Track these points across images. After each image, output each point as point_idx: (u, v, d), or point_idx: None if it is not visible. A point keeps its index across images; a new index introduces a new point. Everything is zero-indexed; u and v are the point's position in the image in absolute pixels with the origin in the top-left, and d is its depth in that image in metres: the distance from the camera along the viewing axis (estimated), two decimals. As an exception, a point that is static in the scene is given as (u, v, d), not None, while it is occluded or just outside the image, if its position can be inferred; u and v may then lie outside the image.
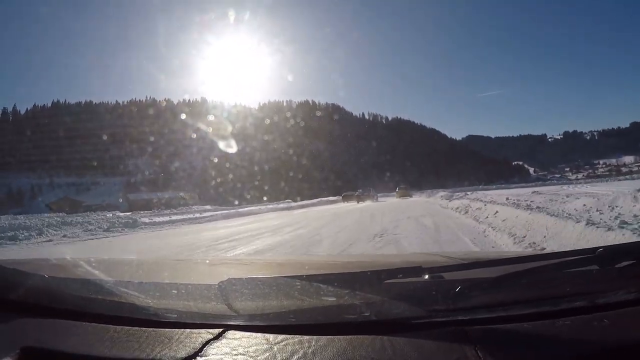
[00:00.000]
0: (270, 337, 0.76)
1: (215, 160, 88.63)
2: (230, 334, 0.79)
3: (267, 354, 0.71)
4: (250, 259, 3.75)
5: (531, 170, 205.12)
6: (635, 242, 1.58)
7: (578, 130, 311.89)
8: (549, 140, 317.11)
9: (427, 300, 0.80)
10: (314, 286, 0.83)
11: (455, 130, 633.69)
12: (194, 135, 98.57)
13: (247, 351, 0.73)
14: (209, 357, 0.72)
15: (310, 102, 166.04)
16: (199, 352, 0.73)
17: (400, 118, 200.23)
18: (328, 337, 0.75)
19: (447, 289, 0.81)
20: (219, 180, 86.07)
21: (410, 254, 3.10)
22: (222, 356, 0.72)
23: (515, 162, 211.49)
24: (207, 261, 2.45)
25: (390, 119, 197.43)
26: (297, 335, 0.76)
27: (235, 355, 0.72)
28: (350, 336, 0.75)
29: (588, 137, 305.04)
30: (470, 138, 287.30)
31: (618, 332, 0.75)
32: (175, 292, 0.93)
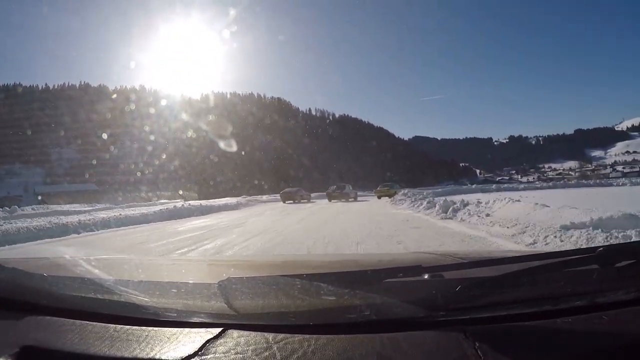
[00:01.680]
0: (270, 336, 0.78)
1: (150, 150, 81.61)
2: (230, 333, 0.81)
3: (267, 353, 0.73)
4: (250, 258, 3.98)
5: (477, 172, 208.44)
6: (636, 241, 1.21)
7: (523, 135, 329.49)
8: (495, 143, 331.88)
9: (427, 300, 0.82)
10: (314, 285, 0.85)
11: (402, 130, 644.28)
12: (132, 125, 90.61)
13: (247, 350, 0.74)
14: (208, 357, 0.74)
15: (256, 95, 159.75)
16: (198, 351, 0.75)
17: (348, 115, 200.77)
18: (328, 336, 0.77)
19: (447, 289, 0.83)
20: (147, 173, 79.19)
21: (410, 253, 3.24)
22: (222, 355, 0.74)
23: (463, 164, 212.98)
24: (207, 260, 2.46)
25: (337, 116, 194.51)
26: (297, 335, 0.78)
27: (235, 354, 0.74)
28: (350, 335, 0.77)
29: (533, 142, 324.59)
30: (417, 139, 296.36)
31: (618, 331, 0.77)
32: (175, 291, 0.95)
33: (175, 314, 0.87)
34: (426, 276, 0.93)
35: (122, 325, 0.86)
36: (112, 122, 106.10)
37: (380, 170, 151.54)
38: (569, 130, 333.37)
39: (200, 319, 0.85)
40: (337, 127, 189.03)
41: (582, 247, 4.26)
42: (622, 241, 5.36)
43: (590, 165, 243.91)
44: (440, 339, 0.75)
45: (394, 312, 0.81)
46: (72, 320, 0.91)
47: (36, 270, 1.09)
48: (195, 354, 0.74)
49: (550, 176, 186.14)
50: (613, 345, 0.72)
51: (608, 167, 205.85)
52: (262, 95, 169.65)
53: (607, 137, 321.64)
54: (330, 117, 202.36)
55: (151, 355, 0.76)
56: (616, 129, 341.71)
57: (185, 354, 0.74)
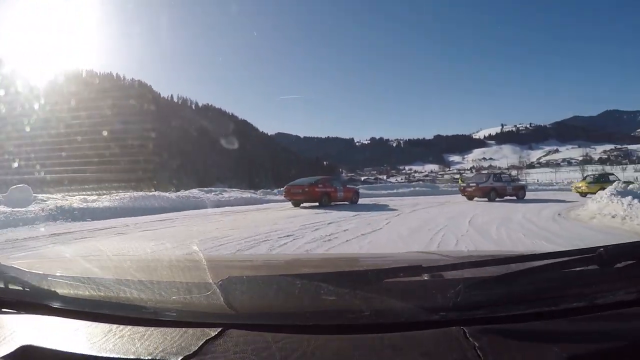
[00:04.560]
0: (270, 336, 0.82)
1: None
2: (230, 332, 0.85)
3: (267, 353, 0.77)
4: (250, 257, 4.12)
5: (341, 170, 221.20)
6: (636, 241, 1.59)
7: (385, 138, 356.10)
8: (357, 144, 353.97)
9: (427, 300, 0.87)
10: (314, 285, 0.89)
11: (266, 126, 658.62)
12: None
13: (247, 350, 0.78)
14: (208, 356, 0.77)
15: (115, 75, 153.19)
16: (198, 351, 0.79)
17: (211, 105, 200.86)
18: (328, 336, 0.82)
19: (447, 289, 0.87)
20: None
21: (410, 253, 3.31)
22: (222, 355, 0.77)
23: (326, 162, 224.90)
24: (207, 260, 2.09)
25: (201, 105, 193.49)
26: (297, 335, 0.82)
27: (235, 354, 0.77)
28: (350, 335, 0.82)
29: (394, 145, 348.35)
30: (280, 135, 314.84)
31: (618, 332, 0.82)
32: (175, 290, 0.99)
33: (175, 314, 0.92)
34: (426, 276, 0.99)
35: (122, 325, 0.92)
36: None
37: (247, 165, 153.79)
38: (429, 136, 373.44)
39: (200, 319, 0.90)
40: (200, 116, 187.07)
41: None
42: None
43: (449, 169, 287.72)
44: (440, 339, 0.79)
45: (394, 312, 0.86)
46: (72, 320, 0.97)
47: (36, 269, 1.17)
48: (195, 353, 0.78)
49: (418, 178, 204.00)
50: (613, 346, 0.77)
51: (467, 171, 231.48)
52: (121, 76, 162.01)
53: (465, 143, 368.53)
54: (193, 106, 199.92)
55: (151, 354, 0.79)
56: (474, 137, 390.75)
57: (185, 353, 0.78)
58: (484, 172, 39.34)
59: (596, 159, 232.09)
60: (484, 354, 0.73)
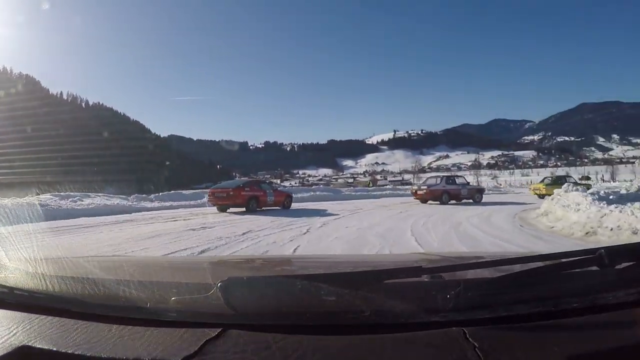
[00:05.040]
0: (270, 336, 0.84)
1: None
2: (230, 333, 0.87)
3: (267, 354, 0.79)
4: (250, 258, 4.13)
5: (234, 174, 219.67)
6: (636, 242, 2.13)
7: (279, 142, 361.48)
8: (251, 147, 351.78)
9: (427, 301, 0.89)
10: (314, 286, 0.90)
11: (159, 127, 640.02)
12: None
13: (247, 350, 0.80)
14: (208, 356, 0.79)
15: (1, 67, 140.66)
16: (198, 351, 0.80)
17: (102, 104, 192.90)
18: (328, 336, 0.85)
19: (447, 289, 0.89)
20: None
21: (410, 254, 3.47)
22: (222, 355, 0.79)
23: (220, 166, 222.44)
24: (207, 260, 2.61)
25: (91, 103, 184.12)
26: (297, 335, 0.85)
27: (235, 354, 0.79)
28: (350, 336, 0.84)
29: (288, 149, 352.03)
30: (174, 137, 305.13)
31: (618, 332, 0.85)
32: (175, 291, 1.00)
33: (175, 314, 0.94)
34: (426, 277, 1.03)
35: (122, 325, 0.94)
36: None
37: (137, 168, 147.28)
38: (323, 140, 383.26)
39: (200, 319, 0.92)
40: (90, 115, 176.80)
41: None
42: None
43: (342, 173, 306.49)
44: (440, 340, 0.81)
45: (394, 313, 0.88)
46: (72, 320, 0.99)
47: (36, 270, 1.19)
48: (195, 353, 0.80)
49: (312, 182, 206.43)
50: (613, 346, 0.79)
51: (360, 175, 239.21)
52: (8, 70, 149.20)
53: (359, 148, 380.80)
54: (83, 104, 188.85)
55: (151, 355, 0.81)
56: (367, 142, 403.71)
57: (185, 353, 0.80)
58: (439, 174, 39.55)
59: (484, 164, 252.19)
60: (484, 355, 0.75)
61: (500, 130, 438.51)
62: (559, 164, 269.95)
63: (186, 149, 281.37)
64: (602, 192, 13.25)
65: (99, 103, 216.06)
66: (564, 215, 11.30)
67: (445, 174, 39.07)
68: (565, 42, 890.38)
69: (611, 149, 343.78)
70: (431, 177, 28.25)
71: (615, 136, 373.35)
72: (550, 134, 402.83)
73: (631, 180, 22.94)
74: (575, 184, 20.26)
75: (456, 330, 0.84)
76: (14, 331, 0.95)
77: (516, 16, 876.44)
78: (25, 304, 1.07)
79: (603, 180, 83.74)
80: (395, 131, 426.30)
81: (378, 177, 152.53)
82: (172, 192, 27.57)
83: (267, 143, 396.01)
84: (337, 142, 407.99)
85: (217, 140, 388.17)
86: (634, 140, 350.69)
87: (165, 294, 0.99)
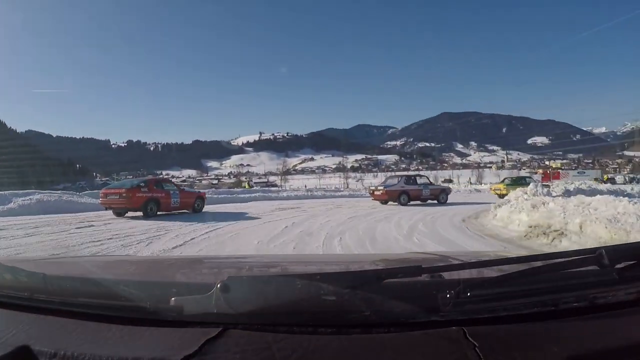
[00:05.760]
0: (270, 336, 0.87)
1: None
2: (230, 333, 0.90)
3: (267, 353, 0.81)
4: (250, 257, 4.03)
5: (95, 174, 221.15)
6: (636, 242, 2.17)
7: (142, 141, 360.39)
8: (113, 146, 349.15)
9: (427, 300, 0.91)
10: (314, 285, 0.93)
11: (16, 122, 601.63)
12: None
13: (247, 350, 0.83)
14: (208, 356, 0.82)
15: None
16: (198, 351, 0.83)
17: None
18: (328, 336, 0.88)
19: (447, 289, 0.92)
20: None
21: (410, 254, 3.56)
22: (222, 355, 0.82)
23: (80, 165, 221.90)
24: (207, 260, 2.84)
25: None
26: (297, 335, 0.89)
27: (235, 354, 0.82)
28: (350, 336, 0.88)
29: (152, 149, 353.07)
30: (31, 133, 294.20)
31: (618, 332, 0.88)
32: (175, 290, 1.03)
33: (175, 314, 0.96)
34: (426, 277, 1.05)
35: (122, 325, 0.97)
36: None
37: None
38: (188, 140, 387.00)
39: (200, 319, 0.94)
40: None
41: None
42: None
43: (207, 175, 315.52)
44: (440, 340, 0.84)
45: (394, 313, 0.91)
46: (72, 320, 1.02)
47: (36, 270, 1.24)
48: (195, 353, 0.82)
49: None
50: (613, 346, 0.82)
51: (225, 177, 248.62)
52: None
53: (224, 150, 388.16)
54: None
55: (151, 355, 0.83)
56: (233, 143, 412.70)
57: (185, 353, 0.82)
58: (399, 173, 42.45)
59: (349, 167, 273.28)
60: (484, 355, 0.78)
61: (364, 135, 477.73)
62: (420, 167, 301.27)
63: (45, 146, 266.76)
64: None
65: None
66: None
67: (405, 173, 38.56)
68: (429, 55, 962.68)
69: (469, 155, 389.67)
70: (391, 176, 27.97)
71: (473, 143, 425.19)
72: (412, 139, 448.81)
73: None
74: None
75: (456, 330, 0.87)
76: (14, 331, 0.98)
77: (380, 29, 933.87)
78: (25, 304, 1.11)
79: (471, 183, 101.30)
80: (261, 133, 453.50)
81: (243, 178, 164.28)
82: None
83: (130, 142, 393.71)
84: (202, 143, 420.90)
85: (78, 137, 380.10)
86: (490, 147, 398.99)
87: (165, 293, 1.01)
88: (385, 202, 23.26)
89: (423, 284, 1.02)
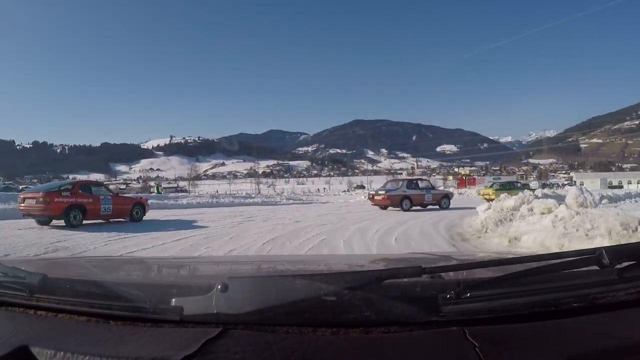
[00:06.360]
0: (270, 336, 0.88)
1: None
2: (230, 332, 0.90)
3: (267, 354, 0.82)
4: (250, 257, 4.26)
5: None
6: (636, 242, 2.22)
7: (49, 142, 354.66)
8: (18, 147, 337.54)
9: (427, 301, 0.92)
10: (314, 285, 0.93)
11: None
12: None
13: (247, 350, 0.83)
14: (208, 356, 0.82)
15: None
16: (198, 351, 0.83)
17: None
18: (328, 337, 0.89)
19: (447, 289, 0.93)
20: None
21: (410, 254, 3.54)
22: (222, 355, 0.82)
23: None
24: (207, 260, 2.91)
25: None
26: (297, 335, 0.89)
27: (235, 354, 0.82)
28: (350, 336, 0.89)
29: (59, 150, 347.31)
30: None
31: (618, 332, 0.88)
32: (175, 291, 1.04)
33: (175, 314, 0.97)
34: (426, 277, 1.05)
35: (122, 325, 0.98)
36: None
37: None
38: (96, 143, 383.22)
39: (200, 319, 0.95)
40: None
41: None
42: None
43: (115, 179, 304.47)
44: (440, 340, 0.85)
45: (394, 313, 0.92)
46: (72, 320, 1.04)
47: (36, 270, 1.23)
48: (195, 353, 0.82)
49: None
50: (613, 346, 0.83)
51: (134, 181, 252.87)
52: None
53: (133, 153, 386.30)
54: None
55: (152, 355, 0.83)
56: (142, 146, 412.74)
57: (185, 353, 0.82)
58: (401, 177, 41.99)
59: (260, 172, 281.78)
60: (484, 355, 0.78)
61: (276, 140, 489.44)
62: (331, 173, 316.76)
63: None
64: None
65: None
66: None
67: (408, 177, 37.58)
68: (340, 64, 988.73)
69: (380, 161, 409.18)
70: (392, 180, 27.55)
71: (383, 150, 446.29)
72: (324, 146, 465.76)
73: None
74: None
75: (456, 330, 0.87)
76: (14, 331, 0.98)
77: (291, 39, 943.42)
78: (25, 304, 1.11)
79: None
80: (171, 137, 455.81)
81: (152, 183, 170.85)
82: None
83: (36, 143, 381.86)
84: (111, 146, 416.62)
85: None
86: (400, 154, 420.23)
87: (166, 294, 1.02)
88: (384, 208, 22.88)
89: (423, 284, 1.02)
